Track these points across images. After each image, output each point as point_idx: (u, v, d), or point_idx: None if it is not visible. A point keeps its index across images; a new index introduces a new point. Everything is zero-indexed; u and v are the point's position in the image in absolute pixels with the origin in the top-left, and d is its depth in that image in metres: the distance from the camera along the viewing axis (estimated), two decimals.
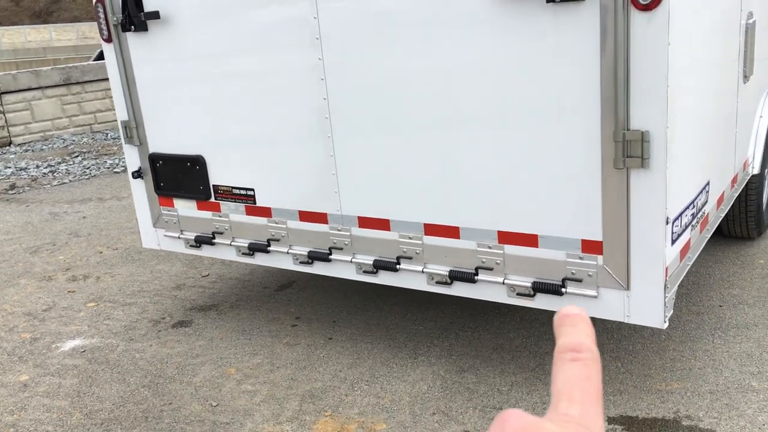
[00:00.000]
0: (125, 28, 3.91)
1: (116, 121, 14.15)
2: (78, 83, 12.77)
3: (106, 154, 10.92)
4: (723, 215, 3.80)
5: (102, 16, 4.00)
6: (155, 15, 3.77)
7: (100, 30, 4.06)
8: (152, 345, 4.17)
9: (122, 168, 9.78)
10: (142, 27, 3.87)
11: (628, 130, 2.66)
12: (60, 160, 10.62)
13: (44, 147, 11.92)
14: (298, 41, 3.37)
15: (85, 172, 9.74)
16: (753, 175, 4.37)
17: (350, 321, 4.27)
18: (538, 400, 3.25)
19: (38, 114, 12.47)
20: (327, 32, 3.28)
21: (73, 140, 12.24)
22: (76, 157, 10.86)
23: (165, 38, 3.83)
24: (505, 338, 3.87)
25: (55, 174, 9.78)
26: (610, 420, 3.06)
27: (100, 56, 17.51)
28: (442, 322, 4.14)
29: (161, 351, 4.08)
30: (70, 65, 12.99)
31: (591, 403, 0.45)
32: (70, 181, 9.33)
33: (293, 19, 3.36)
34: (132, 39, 3.97)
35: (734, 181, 3.96)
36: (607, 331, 3.83)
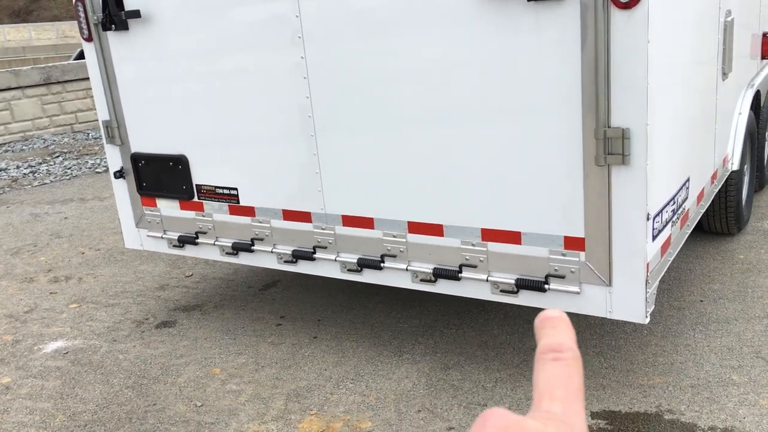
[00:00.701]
0: (106, 27, 3.88)
1: (97, 120, 14.01)
2: (58, 83, 12.65)
3: (87, 154, 10.83)
4: (703, 211, 3.84)
5: (82, 15, 3.97)
6: (136, 14, 3.74)
7: (81, 29, 4.03)
8: (136, 346, 4.15)
9: (104, 168, 9.71)
10: (122, 26, 3.85)
11: (609, 127, 2.68)
12: (41, 161, 10.52)
13: (24, 147, 11.80)
14: (281, 40, 3.36)
15: (66, 172, 9.66)
16: (732, 171, 4.42)
17: (335, 320, 4.27)
18: (522, 396, 3.27)
19: (18, 114, 12.34)
20: (309, 30, 3.28)
21: (54, 140, 12.12)
22: (57, 157, 10.76)
23: (146, 37, 3.81)
24: (489, 335, 3.89)
25: (35, 174, 9.69)
26: (594, 415, 3.09)
27: (80, 55, 17.36)
28: (426, 319, 4.15)
29: (145, 352, 4.06)
30: (50, 65, 12.87)
31: (573, 400, 0.46)
32: (51, 181, 9.25)
33: (275, 17, 3.35)
34: (113, 38, 3.94)
35: (714, 177, 4.01)
36: (589, 327, 3.86)
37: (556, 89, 2.76)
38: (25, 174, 9.75)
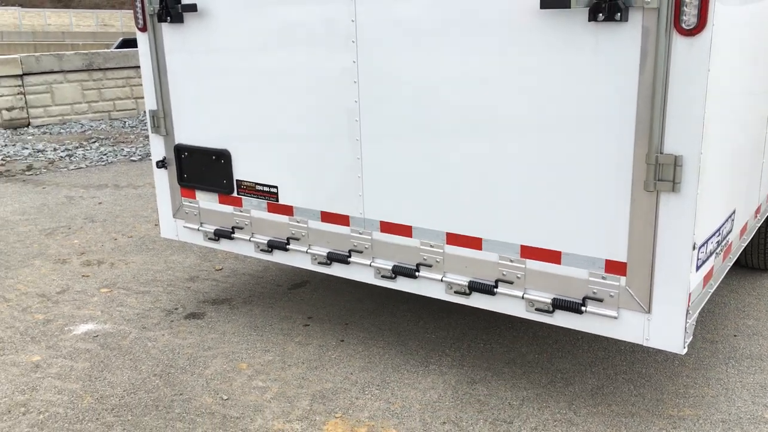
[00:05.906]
0: (161, 18, 3.94)
1: (134, 110, 14.17)
2: (100, 69, 12.83)
3: (123, 142, 10.97)
4: (745, 245, 3.79)
5: (139, 5, 4.03)
6: (193, 7, 3.79)
7: (136, 19, 4.09)
8: (164, 334, 4.18)
9: (139, 157, 9.82)
10: (178, 18, 3.90)
11: (661, 153, 2.66)
12: (77, 145, 10.67)
13: (62, 131, 11.98)
14: (334, 42, 3.38)
15: (101, 158, 9.79)
16: None
17: (362, 324, 4.27)
18: (549, 417, 3.25)
19: (58, 97, 12.54)
20: (364, 36, 3.29)
21: (91, 126, 12.29)
22: (94, 142, 10.91)
23: (200, 31, 3.85)
24: (518, 353, 3.87)
25: (72, 158, 9.82)
26: None
27: (122, 44, 17.59)
28: (454, 331, 4.14)
29: (173, 341, 4.09)
30: (93, 51, 13.06)
31: None
32: (87, 166, 9.37)
33: (330, 20, 3.37)
34: (167, 30, 4.00)
35: (758, 211, 3.95)
36: (620, 353, 3.82)
37: (610, 111, 2.74)
38: (61, 157, 9.89)
